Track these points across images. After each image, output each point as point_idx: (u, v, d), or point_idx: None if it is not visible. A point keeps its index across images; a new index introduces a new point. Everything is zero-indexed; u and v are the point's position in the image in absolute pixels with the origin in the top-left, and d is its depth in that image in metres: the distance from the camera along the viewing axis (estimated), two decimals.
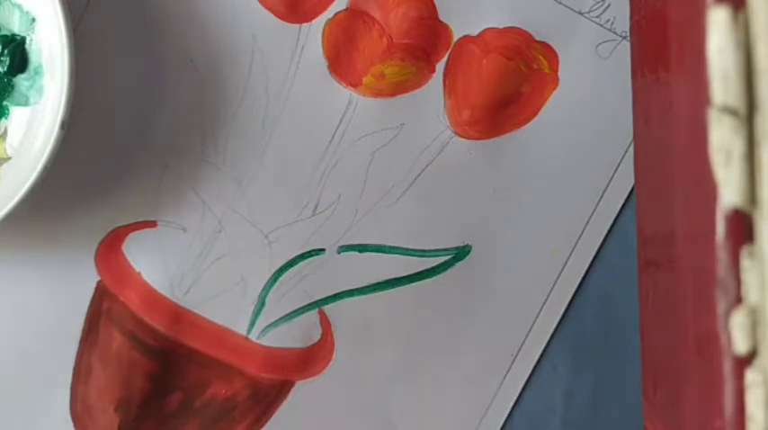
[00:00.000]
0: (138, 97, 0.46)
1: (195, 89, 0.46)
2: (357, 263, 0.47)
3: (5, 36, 0.44)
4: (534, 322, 0.47)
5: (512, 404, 0.48)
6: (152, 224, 0.47)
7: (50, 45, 0.43)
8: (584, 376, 0.48)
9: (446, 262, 0.47)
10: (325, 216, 0.47)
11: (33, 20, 0.44)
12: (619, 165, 0.47)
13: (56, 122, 0.42)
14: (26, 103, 0.44)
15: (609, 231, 0.47)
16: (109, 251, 0.47)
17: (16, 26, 0.44)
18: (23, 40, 0.44)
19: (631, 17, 0.46)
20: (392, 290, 0.47)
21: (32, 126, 0.44)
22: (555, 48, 0.47)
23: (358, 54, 0.47)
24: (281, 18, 0.47)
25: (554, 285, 0.47)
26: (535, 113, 0.47)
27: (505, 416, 0.48)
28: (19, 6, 0.44)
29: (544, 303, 0.47)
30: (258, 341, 0.47)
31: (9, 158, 0.44)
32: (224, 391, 0.47)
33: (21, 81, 0.44)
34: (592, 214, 0.47)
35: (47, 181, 0.43)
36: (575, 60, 0.47)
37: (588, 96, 0.47)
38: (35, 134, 0.43)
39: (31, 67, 0.44)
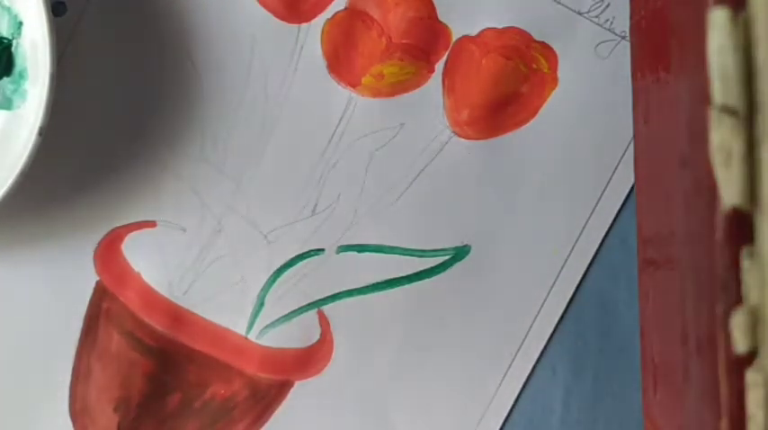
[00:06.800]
0: (137, 97, 0.46)
1: (195, 89, 0.46)
2: (356, 263, 0.47)
3: None
4: (534, 322, 0.47)
5: (511, 404, 0.48)
6: (151, 224, 0.47)
7: (35, 50, 0.43)
8: (584, 376, 0.48)
9: (445, 262, 0.47)
10: (324, 216, 0.47)
11: (21, 23, 0.43)
12: (618, 165, 0.47)
13: (35, 128, 0.42)
14: (9, 107, 0.44)
15: (608, 231, 0.47)
16: (108, 251, 0.47)
17: (4, 29, 0.44)
18: (10, 43, 0.44)
19: (631, 17, 0.46)
20: (391, 290, 0.47)
21: (14, 130, 0.44)
22: (554, 48, 0.47)
23: (357, 54, 0.47)
24: (280, 18, 0.47)
25: (553, 285, 0.47)
26: (534, 113, 0.47)
27: (505, 416, 0.48)
28: (8, 9, 0.44)
29: (543, 303, 0.47)
30: (257, 341, 0.47)
31: None
32: (223, 391, 0.47)
33: (5, 84, 0.44)
34: (591, 214, 0.47)
35: (47, 180, 0.43)
36: (574, 60, 0.47)
37: (587, 96, 0.47)
38: (17, 138, 0.43)
39: (16, 70, 0.44)
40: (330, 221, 0.47)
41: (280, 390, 0.47)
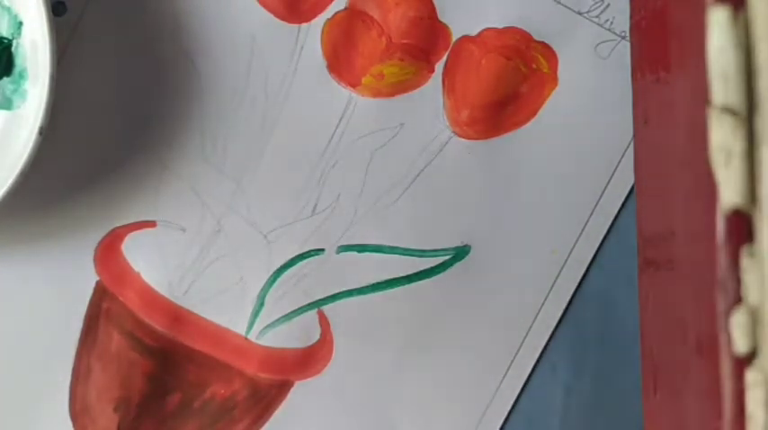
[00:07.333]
0: (137, 97, 0.46)
1: (195, 89, 0.46)
2: (356, 263, 0.47)
3: None
4: (534, 322, 0.47)
5: (511, 404, 0.48)
6: (151, 224, 0.47)
7: (35, 50, 0.43)
8: (584, 376, 0.48)
9: (445, 262, 0.47)
10: (324, 216, 0.47)
11: (21, 23, 0.43)
12: (618, 165, 0.47)
13: (35, 128, 0.42)
14: (9, 107, 0.44)
15: (608, 231, 0.47)
16: (108, 251, 0.47)
17: (4, 29, 0.44)
18: (10, 43, 0.44)
19: (631, 17, 0.46)
20: (391, 290, 0.47)
21: (14, 130, 0.44)
22: (554, 48, 0.47)
23: (357, 54, 0.47)
24: (280, 18, 0.47)
25: (553, 285, 0.47)
26: (534, 113, 0.47)
27: (504, 415, 0.48)
28: (8, 9, 0.44)
29: (543, 303, 0.47)
30: (257, 341, 0.47)
31: None
32: (223, 391, 0.47)
33: (5, 84, 0.44)
34: (591, 214, 0.47)
35: (47, 180, 0.43)
36: (574, 60, 0.47)
37: (587, 96, 0.47)
38: (17, 138, 0.43)
39: (16, 70, 0.44)
40: (330, 221, 0.47)
41: (280, 390, 0.47)
